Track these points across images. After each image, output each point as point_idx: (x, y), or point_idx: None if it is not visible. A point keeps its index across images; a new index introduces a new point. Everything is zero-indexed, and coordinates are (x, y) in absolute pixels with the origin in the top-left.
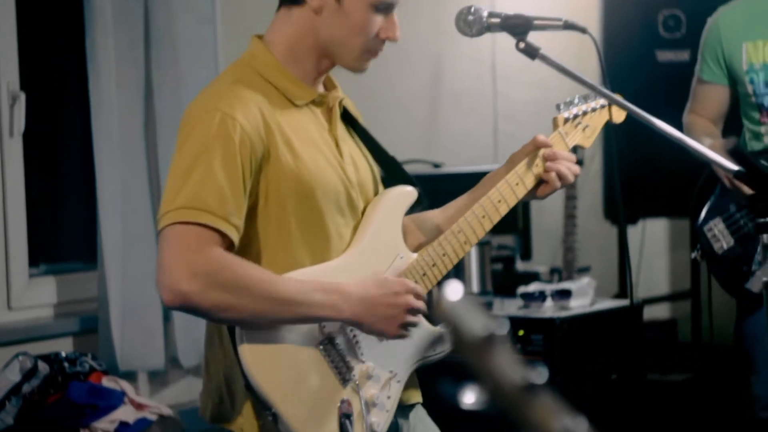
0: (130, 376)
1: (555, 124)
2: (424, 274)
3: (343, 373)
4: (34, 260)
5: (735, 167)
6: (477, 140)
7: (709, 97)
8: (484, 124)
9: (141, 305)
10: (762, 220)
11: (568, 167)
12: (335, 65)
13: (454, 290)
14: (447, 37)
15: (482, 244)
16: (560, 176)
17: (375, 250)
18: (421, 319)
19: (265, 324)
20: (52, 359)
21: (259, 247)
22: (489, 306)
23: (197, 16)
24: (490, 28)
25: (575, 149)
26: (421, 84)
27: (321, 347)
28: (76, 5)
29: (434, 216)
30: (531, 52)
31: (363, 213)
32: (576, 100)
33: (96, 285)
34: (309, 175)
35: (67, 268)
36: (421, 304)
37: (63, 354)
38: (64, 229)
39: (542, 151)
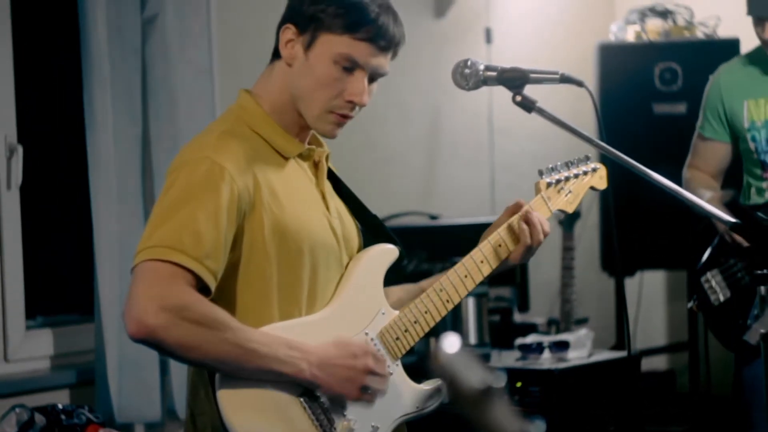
0: (128, 429)
1: (537, 189)
2: (406, 330)
3: (324, 426)
4: (31, 313)
5: (732, 219)
6: (474, 192)
7: (710, 154)
8: (482, 175)
9: (138, 357)
10: (759, 271)
11: (541, 228)
12: None
13: (451, 343)
14: (444, 90)
15: (480, 296)
16: (532, 232)
17: (356, 306)
18: (384, 384)
19: (229, 371)
20: (48, 411)
21: (241, 299)
22: (487, 358)
23: (195, 69)
24: (486, 81)
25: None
26: (419, 136)
27: (302, 399)
28: (74, 58)
29: (417, 285)
30: (527, 106)
31: (345, 268)
32: (559, 166)
33: (93, 337)
34: (296, 228)
35: (64, 320)
36: (381, 368)
37: (60, 406)
38: (61, 281)
39: (521, 213)
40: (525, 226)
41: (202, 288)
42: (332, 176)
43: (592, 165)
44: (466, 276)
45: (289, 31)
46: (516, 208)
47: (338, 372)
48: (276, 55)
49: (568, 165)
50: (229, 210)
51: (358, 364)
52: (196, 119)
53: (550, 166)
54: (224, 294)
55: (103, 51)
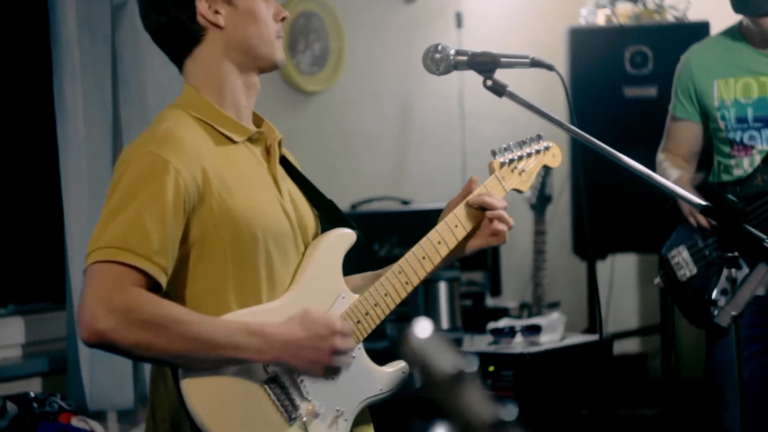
0: (100, 416)
1: (491, 169)
2: (367, 314)
3: (289, 411)
4: (2, 301)
5: (703, 202)
6: (446, 177)
7: (682, 135)
8: (453, 160)
9: None
10: (729, 254)
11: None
12: (260, 74)
13: (422, 328)
14: (415, 76)
15: (451, 281)
16: (502, 220)
17: (316, 291)
18: (350, 360)
19: (189, 365)
20: (20, 399)
21: (195, 291)
22: (459, 342)
23: (164, 56)
24: (457, 66)
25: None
26: (390, 121)
27: (266, 386)
28: (44, 46)
29: (376, 272)
30: (498, 90)
31: (303, 254)
32: (512, 145)
33: (65, 325)
34: (248, 214)
35: (35, 308)
36: (348, 344)
37: (32, 394)
38: (32, 269)
39: (477, 193)
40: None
41: (153, 285)
42: (286, 162)
43: (545, 143)
44: (424, 257)
45: (203, 2)
46: (471, 186)
47: (304, 354)
48: (186, 48)
49: (521, 144)
50: (176, 204)
51: (325, 345)
52: (166, 106)
53: (504, 145)
54: (177, 287)
55: (72, 38)
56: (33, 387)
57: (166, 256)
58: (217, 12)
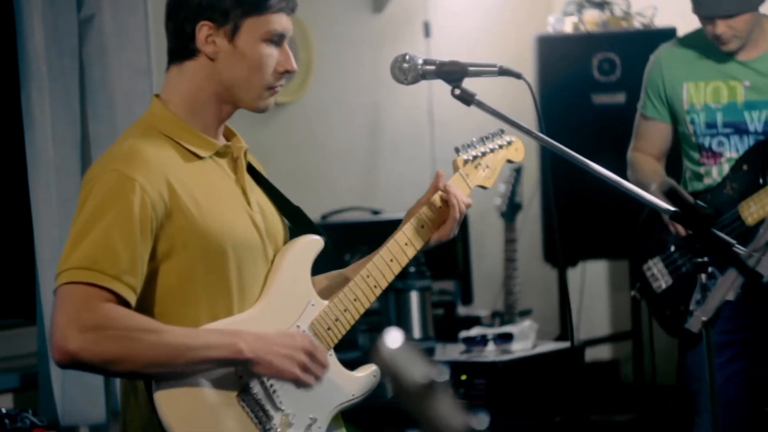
0: (72, 431)
1: (455, 167)
2: (337, 320)
3: (263, 422)
4: None
5: (672, 208)
6: (416, 186)
7: (652, 134)
8: (423, 170)
9: None
10: (700, 259)
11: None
12: (236, 110)
13: (393, 338)
14: (384, 85)
15: (423, 290)
16: (458, 206)
17: (285, 300)
18: (323, 371)
19: (163, 373)
20: None
21: (165, 306)
22: (431, 352)
23: (133, 69)
24: (425, 75)
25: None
26: (360, 132)
27: (239, 397)
28: (11, 59)
29: (344, 271)
30: (466, 99)
31: (272, 263)
32: (475, 142)
33: (35, 340)
34: (217, 228)
35: (6, 324)
36: (321, 356)
37: (3, 410)
38: (2, 285)
39: (440, 190)
40: (454, 201)
41: (123, 304)
42: (253, 171)
43: (507, 138)
44: (392, 260)
45: (206, 27)
46: (436, 183)
47: (277, 349)
48: (180, 56)
49: (483, 140)
50: (142, 222)
51: (297, 343)
52: (134, 120)
53: (466, 142)
54: (147, 303)
55: (40, 52)
56: (4, 403)
57: (135, 275)
58: (213, 43)
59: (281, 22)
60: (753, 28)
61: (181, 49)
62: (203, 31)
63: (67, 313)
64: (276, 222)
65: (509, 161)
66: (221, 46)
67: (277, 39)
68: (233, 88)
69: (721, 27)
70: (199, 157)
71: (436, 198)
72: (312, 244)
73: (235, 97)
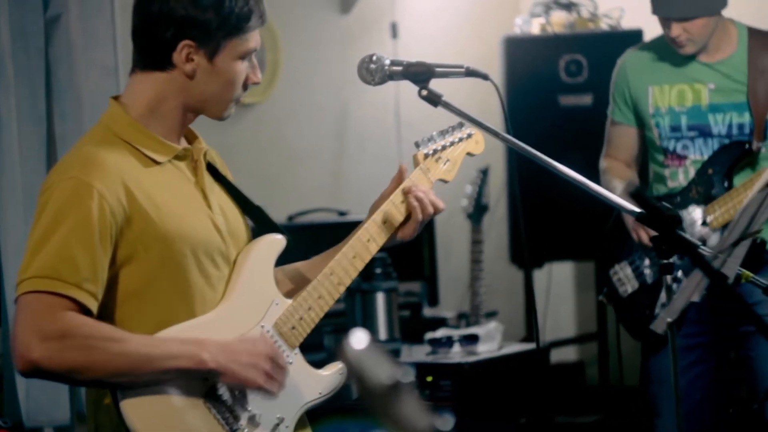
0: None
1: (416, 161)
2: (301, 318)
3: (230, 423)
4: None
5: (637, 210)
6: (383, 187)
7: (622, 139)
8: (390, 170)
9: None
10: (665, 261)
11: (429, 200)
12: (199, 116)
13: (359, 339)
14: (351, 86)
15: (389, 291)
16: (422, 207)
17: (249, 300)
18: (284, 375)
19: (128, 382)
20: None
21: (127, 311)
22: (397, 353)
23: (99, 69)
24: (392, 76)
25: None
26: (327, 132)
27: (205, 399)
28: None
29: (300, 266)
30: (433, 100)
31: (234, 263)
32: (435, 135)
33: (0, 342)
34: (177, 232)
35: None
36: (281, 360)
37: None
38: None
39: (402, 187)
40: (415, 203)
41: (84, 312)
42: (214, 171)
43: (467, 131)
44: (354, 257)
45: (188, 47)
46: (399, 176)
47: (240, 358)
48: (150, 65)
49: (443, 134)
50: (102, 228)
51: (259, 349)
52: None
53: (426, 136)
54: (108, 309)
55: (5, 52)
56: None
57: (95, 282)
58: (192, 61)
59: (256, 38)
60: (713, 32)
61: (155, 59)
62: (184, 50)
63: (29, 322)
64: (238, 222)
65: (470, 154)
66: (199, 65)
67: (249, 55)
68: (204, 101)
69: (676, 30)
70: (157, 163)
71: (399, 194)
72: (274, 243)
73: (203, 108)
